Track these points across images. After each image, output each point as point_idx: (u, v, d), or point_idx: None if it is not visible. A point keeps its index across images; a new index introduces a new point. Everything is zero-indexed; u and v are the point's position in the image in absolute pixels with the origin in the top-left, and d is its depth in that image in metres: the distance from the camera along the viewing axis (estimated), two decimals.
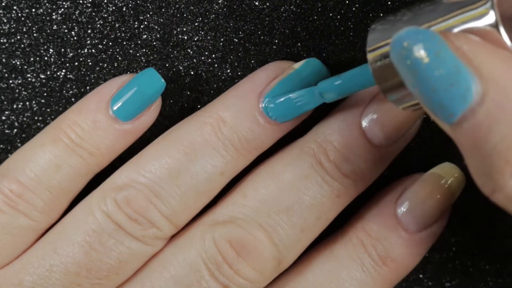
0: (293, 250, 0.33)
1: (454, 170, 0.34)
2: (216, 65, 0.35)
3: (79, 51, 0.35)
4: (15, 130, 0.35)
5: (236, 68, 0.35)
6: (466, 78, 0.24)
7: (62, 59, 0.35)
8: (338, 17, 0.34)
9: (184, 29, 0.34)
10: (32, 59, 0.35)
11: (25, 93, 0.35)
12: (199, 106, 0.35)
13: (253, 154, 0.33)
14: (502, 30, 0.24)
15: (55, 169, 0.32)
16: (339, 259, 0.34)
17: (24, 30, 0.34)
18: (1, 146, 0.35)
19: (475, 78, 0.24)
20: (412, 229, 0.33)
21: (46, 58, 0.35)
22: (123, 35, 0.34)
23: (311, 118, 0.34)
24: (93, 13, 0.34)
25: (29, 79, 0.35)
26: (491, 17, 0.24)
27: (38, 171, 0.32)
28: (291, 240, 0.33)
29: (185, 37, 0.34)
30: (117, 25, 0.34)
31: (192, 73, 0.35)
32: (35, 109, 0.35)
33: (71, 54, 0.35)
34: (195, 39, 0.34)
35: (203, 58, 0.35)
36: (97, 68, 0.35)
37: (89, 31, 0.34)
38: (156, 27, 0.34)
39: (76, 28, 0.34)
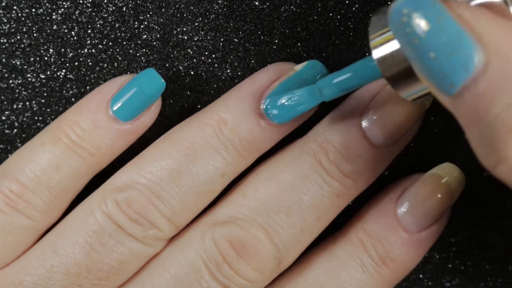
0: (293, 250, 0.33)
1: (454, 170, 0.34)
2: (216, 65, 0.35)
3: (79, 51, 0.34)
4: (15, 130, 0.35)
5: (236, 68, 0.35)
6: (467, 46, 0.23)
7: (62, 59, 0.35)
8: (338, 17, 0.34)
9: (184, 29, 0.34)
10: (32, 59, 0.35)
11: (25, 93, 0.35)
12: (199, 106, 0.35)
13: (254, 156, 0.33)
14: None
15: (55, 169, 0.32)
16: (339, 259, 0.34)
17: (24, 30, 0.34)
18: (1, 146, 0.35)
19: (477, 46, 0.23)
20: (412, 229, 0.33)
21: (46, 58, 0.35)
22: (123, 35, 0.34)
23: (311, 118, 0.34)
24: (93, 13, 0.34)
25: (29, 79, 0.35)
26: None
27: (38, 171, 0.32)
28: (291, 240, 0.33)
29: (185, 37, 0.34)
30: (117, 25, 0.34)
31: (192, 73, 0.35)
32: (35, 109, 0.35)
33: (71, 54, 0.35)
34: (195, 39, 0.34)
35: (203, 58, 0.35)
36: (97, 68, 0.35)
37: (89, 31, 0.34)
38: (156, 27, 0.34)
39: (76, 28, 0.34)
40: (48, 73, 0.35)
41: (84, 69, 0.35)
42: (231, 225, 0.32)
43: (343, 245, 0.34)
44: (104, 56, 0.35)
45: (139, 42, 0.34)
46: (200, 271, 0.32)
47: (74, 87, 0.35)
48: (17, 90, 0.35)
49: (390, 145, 0.33)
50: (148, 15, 0.34)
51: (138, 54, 0.35)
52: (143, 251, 0.32)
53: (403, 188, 0.34)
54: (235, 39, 0.34)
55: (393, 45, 0.26)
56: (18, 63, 0.35)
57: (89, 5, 0.34)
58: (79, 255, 0.32)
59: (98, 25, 0.34)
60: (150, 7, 0.34)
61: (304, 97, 0.32)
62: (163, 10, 0.34)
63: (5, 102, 0.35)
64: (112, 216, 0.32)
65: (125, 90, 0.33)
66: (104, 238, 0.32)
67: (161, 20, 0.34)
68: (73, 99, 0.35)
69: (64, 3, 0.34)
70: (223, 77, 0.35)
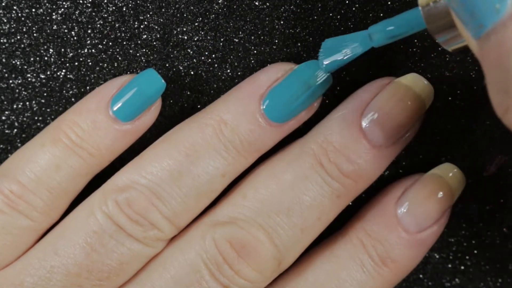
0: (293, 250, 0.33)
1: (454, 170, 0.34)
2: (216, 65, 0.35)
3: (79, 51, 0.34)
4: (15, 130, 0.35)
5: (236, 68, 0.35)
6: None
7: (62, 59, 0.35)
8: (338, 17, 0.34)
9: (184, 29, 0.34)
10: (32, 59, 0.35)
11: (25, 93, 0.35)
12: (199, 106, 0.35)
13: (254, 156, 0.33)
14: None
15: (55, 170, 0.32)
16: (339, 259, 0.34)
17: (24, 30, 0.34)
18: (1, 146, 0.35)
19: None
20: (412, 229, 0.33)
21: (46, 58, 0.35)
22: (123, 35, 0.34)
23: (311, 118, 0.34)
24: (93, 13, 0.34)
25: (29, 79, 0.35)
26: None
27: (38, 172, 0.32)
28: (291, 241, 0.33)
29: (185, 37, 0.34)
30: (117, 25, 0.34)
31: (192, 73, 0.35)
32: (35, 109, 0.35)
33: (71, 54, 0.34)
34: (195, 39, 0.34)
35: (203, 58, 0.35)
36: (97, 68, 0.35)
37: (89, 31, 0.34)
38: (156, 27, 0.34)
39: (76, 28, 0.34)
40: (48, 73, 0.35)
41: (84, 69, 0.35)
42: (231, 225, 0.32)
43: (343, 245, 0.34)
44: (104, 56, 0.35)
45: (139, 42, 0.34)
46: (200, 271, 0.32)
47: (74, 87, 0.35)
48: (17, 90, 0.35)
49: (390, 145, 0.33)
50: (148, 15, 0.34)
51: (138, 54, 0.34)
52: (144, 252, 0.32)
53: (403, 188, 0.34)
54: (235, 39, 0.34)
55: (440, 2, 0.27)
56: (18, 63, 0.35)
57: (89, 5, 0.34)
58: (80, 256, 0.32)
59: (98, 25, 0.34)
60: (150, 7, 0.34)
61: (354, 41, 0.31)
62: (163, 10, 0.34)
63: (5, 102, 0.35)
64: (113, 216, 0.32)
65: (125, 90, 0.33)
66: (105, 239, 0.32)
67: (161, 20, 0.34)
68: (73, 99, 0.35)
69: (64, 3, 0.34)
70: (223, 77, 0.35)
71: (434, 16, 0.28)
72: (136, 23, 0.34)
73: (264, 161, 0.34)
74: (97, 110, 0.33)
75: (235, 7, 0.34)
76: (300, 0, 0.34)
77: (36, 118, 0.35)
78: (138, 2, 0.34)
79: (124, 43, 0.34)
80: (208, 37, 0.34)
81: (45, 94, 0.35)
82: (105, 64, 0.35)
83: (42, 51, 0.34)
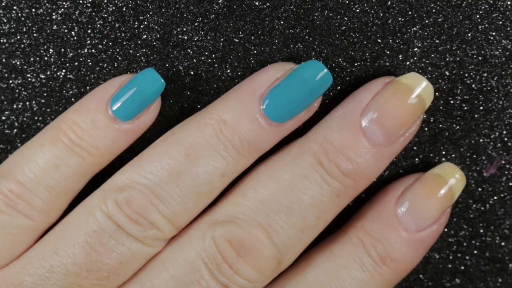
0: (293, 249, 0.33)
1: (454, 170, 0.34)
2: (216, 65, 0.35)
3: (79, 51, 0.34)
4: (15, 130, 0.35)
5: (236, 68, 0.35)
6: None
7: (62, 59, 0.35)
8: (338, 17, 0.34)
9: (184, 29, 0.34)
10: (32, 59, 0.35)
11: (25, 93, 0.35)
12: (199, 106, 0.35)
13: (254, 156, 0.33)
14: None
15: (55, 169, 0.32)
16: (339, 258, 0.34)
17: (24, 30, 0.34)
18: (1, 146, 0.35)
19: None
20: (412, 229, 0.33)
21: (46, 58, 0.35)
22: (123, 35, 0.34)
23: (311, 118, 0.34)
24: (93, 13, 0.34)
25: (29, 79, 0.35)
26: None
27: (38, 171, 0.32)
28: (290, 240, 0.33)
29: (185, 37, 0.34)
30: (117, 25, 0.34)
31: (192, 73, 0.35)
32: (35, 109, 0.35)
33: (71, 54, 0.35)
34: (195, 39, 0.34)
35: (203, 58, 0.35)
36: (97, 68, 0.35)
37: (89, 31, 0.34)
38: (156, 27, 0.34)
39: (76, 28, 0.34)
40: (48, 73, 0.35)
41: (84, 69, 0.35)
42: (231, 225, 0.32)
43: (343, 245, 0.34)
44: (104, 56, 0.35)
45: (139, 42, 0.34)
46: (200, 270, 0.32)
47: (74, 87, 0.35)
48: (17, 90, 0.35)
49: (390, 145, 0.33)
50: (148, 15, 0.34)
51: (138, 54, 0.35)
52: (143, 251, 0.32)
53: (403, 188, 0.34)
54: (235, 39, 0.34)
55: None
56: (18, 63, 0.35)
57: (89, 5, 0.34)
58: (79, 255, 0.32)
59: (98, 25, 0.34)
60: (150, 7, 0.34)
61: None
62: (163, 10, 0.34)
63: (5, 102, 0.35)
64: (112, 216, 0.32)
65: (124, 90, 0.33)
66: (104, 238, 0.32)
67: (161, 20, 0.34)
68: (73, 99, 0.35)
69: (64, 3, 0.34)
70: (223, 77, 0.35)
71: None
72: (136, 23, 0.34)
73: (264, 161, 0.34)
74: (97, 109, 0.33)
75: (235, 7, 0.34)
76: (300, 0, 0.34)
77: (36, 118, 0.35)
78: (138, 2, 0.34)
79: (124, 43, 0.34)
80: (208, 37, 0.34)
81: (45, 94, 0.35)
82: (105, 64, 0.35)
83: (42, 51, 0.34)
